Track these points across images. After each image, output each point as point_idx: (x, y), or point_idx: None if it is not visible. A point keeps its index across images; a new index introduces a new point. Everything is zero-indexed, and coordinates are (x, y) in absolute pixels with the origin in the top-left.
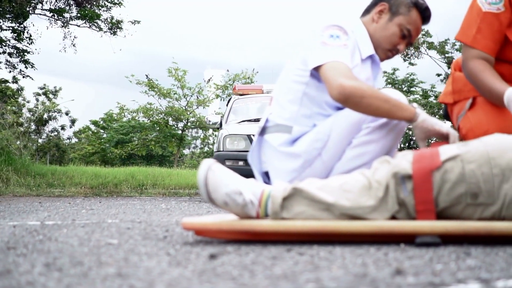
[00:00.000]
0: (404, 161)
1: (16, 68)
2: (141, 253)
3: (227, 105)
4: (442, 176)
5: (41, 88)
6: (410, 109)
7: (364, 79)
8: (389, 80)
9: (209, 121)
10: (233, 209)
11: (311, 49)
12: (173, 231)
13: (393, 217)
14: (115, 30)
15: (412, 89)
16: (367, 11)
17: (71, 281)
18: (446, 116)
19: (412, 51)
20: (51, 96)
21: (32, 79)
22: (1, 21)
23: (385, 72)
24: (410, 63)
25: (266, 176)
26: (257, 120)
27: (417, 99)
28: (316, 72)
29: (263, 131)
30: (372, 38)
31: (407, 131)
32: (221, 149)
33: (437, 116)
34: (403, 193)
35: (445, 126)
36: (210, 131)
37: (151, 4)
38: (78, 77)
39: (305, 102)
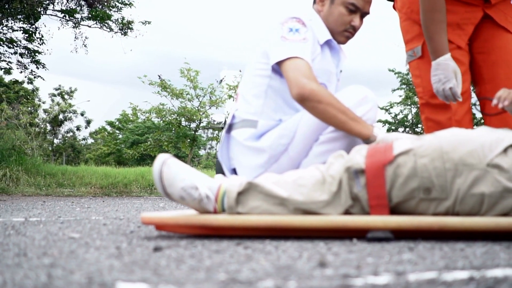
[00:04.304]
0: (358, 155)
1: (27, 69)
2: (92, 246)
3: None
4: (394, 171)
5: (56, 89)
6: (368, 127)
7: (325, 67)
8: (403, 81)
9: (214, 120)
10: (190, 203)
11: (272, 44)
12: (145, 227)
13: (348, 212)
14: (126, 30)
15: None
16: (314, 1)
17: None
18: None
19: None
20: (66, 96)
21: (43, 79)
22: (12, 21)
23: (399, 72)
24: None
25: (235, 173)
26: None
27: None
28: (277, 67)
29: (230, 128)
30: (326, 25)
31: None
32: None
33: None
34: (357, 188)
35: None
36: None
37: (164, 5)
38: (94, 78)
39: (269, 95)
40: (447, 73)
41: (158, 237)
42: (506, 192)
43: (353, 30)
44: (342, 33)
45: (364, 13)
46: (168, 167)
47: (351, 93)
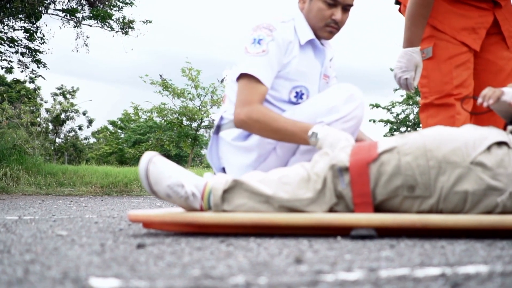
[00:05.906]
0: (343, 153)
1: (28, 68)
2: (78, 243)
3: None
4: (378, 169)
5: (58, 88)
6: (301, 138)
7: (302, 69)
8: None
9: (213, 120)
10: (176, 201)
11: (240, 54)
12: (135, 225)
13: (333, 210)
14: (127, 29)
15: None
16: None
17: None
18: None
19: None
20: (68, 96)
21: (44, 78)
22: (13, 21)
23: None
24: None
25: (224, 173)
26: None
27: None
28: None
29: (218, 129)
30: (308, 22)
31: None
32: None
33: None
34: (341, 186)
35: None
36: None
37: (165, 4)
38: (96, 77)
39: None
40: (409, 64)
41: (145, 234)
42: (489, 190)
43: (336, 24)
44: (324, 28)
45: (346, 5)
46: (154, 165)
47: (337, 91)
